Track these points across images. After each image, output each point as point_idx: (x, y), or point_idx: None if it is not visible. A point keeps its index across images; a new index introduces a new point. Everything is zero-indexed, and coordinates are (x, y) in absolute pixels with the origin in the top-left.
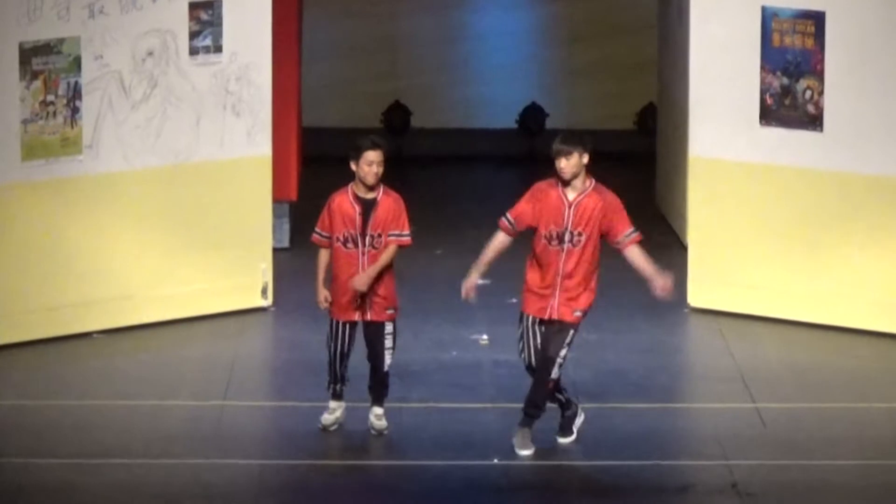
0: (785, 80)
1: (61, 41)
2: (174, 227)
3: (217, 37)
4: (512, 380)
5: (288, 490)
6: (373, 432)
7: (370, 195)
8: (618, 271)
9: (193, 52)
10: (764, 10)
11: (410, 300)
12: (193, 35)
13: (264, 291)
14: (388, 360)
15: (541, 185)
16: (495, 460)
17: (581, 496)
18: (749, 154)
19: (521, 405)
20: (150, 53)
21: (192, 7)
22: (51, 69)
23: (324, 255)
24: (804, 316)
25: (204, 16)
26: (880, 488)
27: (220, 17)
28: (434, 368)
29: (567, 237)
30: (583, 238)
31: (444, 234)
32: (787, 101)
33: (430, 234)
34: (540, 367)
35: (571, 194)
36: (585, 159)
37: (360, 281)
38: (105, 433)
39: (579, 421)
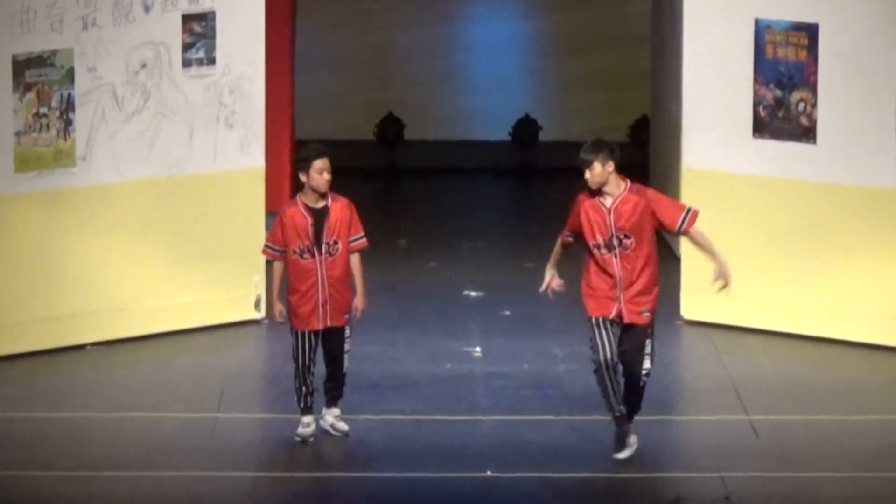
0: (778, 92)
1: (54, 53)
2: (167, 239)
3: (210, 49)
4: (505, 392)
5: (279, 502)
6: (336, 433)
7: (320, 203)
8: None
9: (187, 64)
10: (757, 22)
11: (403, 312)
12: (187, 47)
13: (257, 303)
14: (346, 362)
15: (580, 198)
16: (488, 472)
17: None
18: (742, 166)
19: (514, 417)
20: (144, 65)
21: (186, 19)
22: (44, 81)
23: (277, 269)
24: (797, 328)
25: (197, 28)
26: (874, 500)
27: (213, 30)
28: (427, 381)
29: (615, 243)
30: (632, 240)
31: (437, 246)
32: (780, 113)
33: (423, 246)
34: (628, 382)
35: (608, 200)
36: (610, 167)
37: (362, 301)
38: (98, 445)
39: (633, 439)
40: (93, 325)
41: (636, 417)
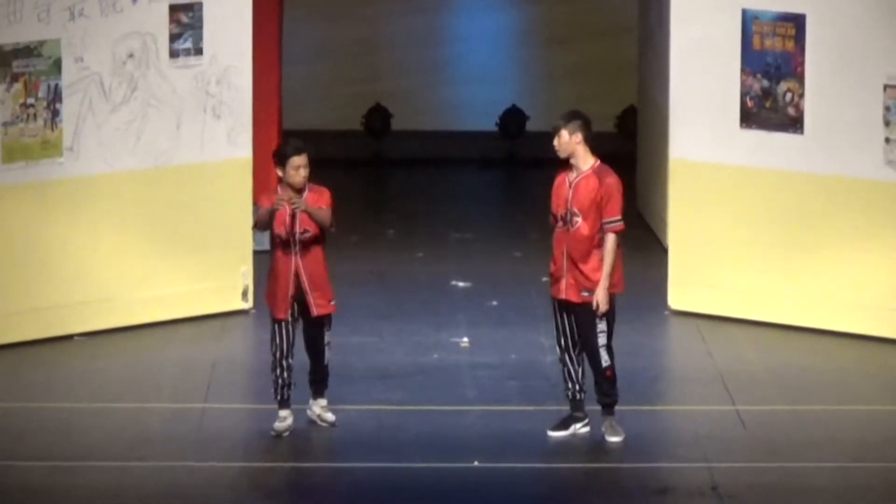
0: (765, 83)
1: (41, 43)
2: (155, 230)
3: (197, 39)
4: (492, 382)
5: (268, 492)
6: (324, 424)
7: (295, 193)
8: None
9: (174, 54)
10: (744, 12)
11: (391, 303)
12: (174, 38)
13: (245, 294)
14: (328, 353)
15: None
16: (475, 463)
17: (561, 499)
18: (729, 156)
19: (501, 407)
20: (131, 56)
21: (173, 10)
22: (31, 72)
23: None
24: (784, 318)
25: (184, 18)
26: (860, 490)
27: (200, 20)
28: (414, 371)
29: (568, 217)
30: (579, 218)
31: (425, 236)
32: (767, 104)
33: (411, 236)
34: (588, 359)
35: (573, 174)
36: (578, 138)
37: (301, 202)
38: (85, 435)
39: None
40: (80, 316)
41: (619, 408)
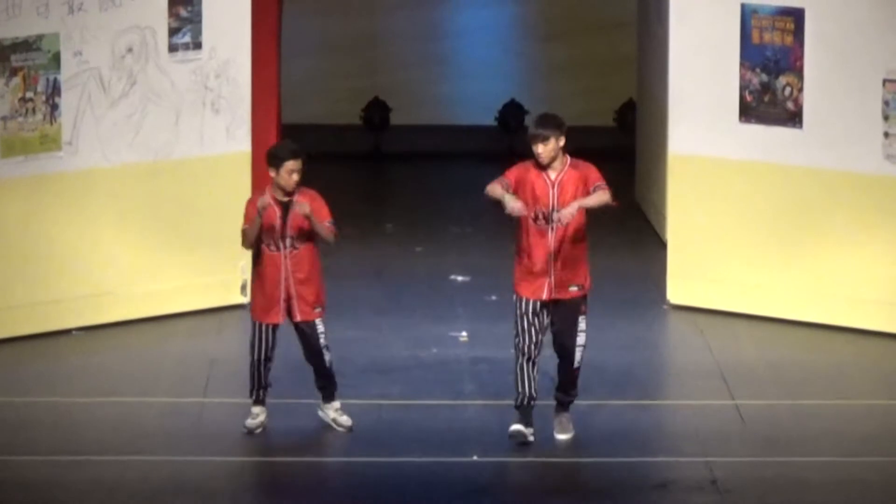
0: (764, 77)
1: (40, 38)
2: (153, 224)
3: (196, 33)
4: (491, 376)
5: (266, 487)
6: (340, 429)
7: (287, 197)
8: (596, 268)
9: (173, 48)
10: (743, 6)
11: (390, 297)
12: (173, 32)
13: (243, 288)
14: (327, 357)
15: (525, 164)
16: (474, 457)
17: (560, 493)
18: (728, 151)
19: (500, 402)
20: (130, 50)
21: (172, 4)
22: (30, 66)
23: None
24: (783, 313)
25: (183, 12)
26: (859, 484)
27: (199, 14)
28: (414, 365)
29: (554, 216)
30: None
31: (424, 231)
32: (766, 98)
33: (410, 231)
34: (562, 358)
35: (553, 174)
36: (562, 142)
37: (304, 208)
38: (84, 430)
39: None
40: (78, 310)
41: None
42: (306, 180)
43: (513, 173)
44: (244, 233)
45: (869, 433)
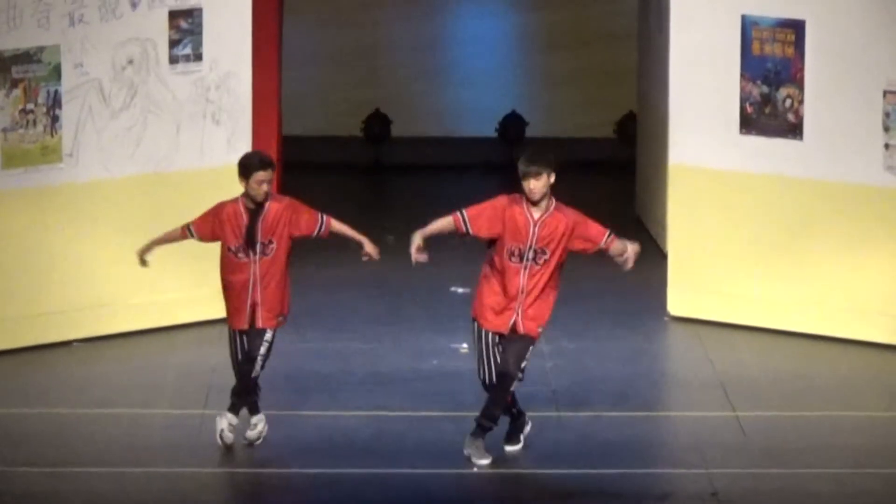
0: (765, 89)
1: (41, 49)
2: (154, 236)
3: (197, 45)
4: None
5: (265, 499)
6: (222, 442)
7: (256, 204)
8: (597, 280)
9: (173, 60)
10: (744, 18)
11: (390, 308)
12: (173, 43)
13: None
14: (258, 368)
15: (503, 200)
16: (475, 469)
17: None
18: (729, 162)
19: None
20: (130, 62)
21: (173, 15)
22: (31, 77)
23: (173, 234)
24: (784, 324)
25: (184, 24)
26: (860, 496)
27: (199, 26)
28: (414, 377)
29: (530, 255)
30: (546, 256)
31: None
32: (767, 110)
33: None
34: (500, 382)
35: (537, 213)
36: (552, 179)
37: (369, 244)
38: (84, 442)
39: (527, 429)
40: (79, 322)
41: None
42: (308, 192)
43: (486, 208)
44: (169, 233)
45: (870, 444)
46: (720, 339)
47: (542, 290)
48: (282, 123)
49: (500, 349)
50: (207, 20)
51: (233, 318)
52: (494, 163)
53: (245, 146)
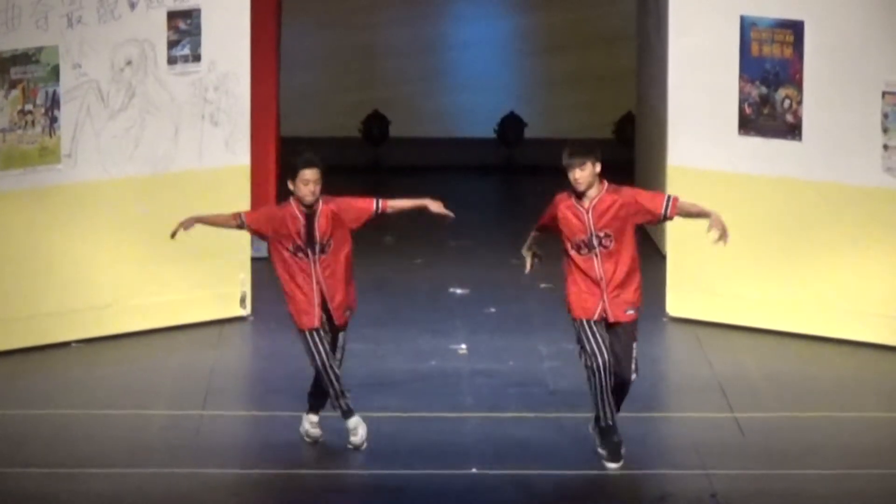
0: (764, 90)
1: (39, 50)
2: (153, 237)
3: (195, 46)
4: (490, 389)
5: (265, 500)
6: (309, 440)
7: (307, 207)
8: None
9: (172, 61)
10: (743, 19)
11: (389, 309)
12: (172, 44)
13: (243, 301)
14: (337, 363)
15: (554, 200)
16: (473, 470)
17: None
18: (728, 163)
19: (499, 414)
20: (129, 63)
21: (171, 16)
22: (29, 78)
23: (220, 218)
24: (782, 325)
25: (182, 25)
26: (859, 497)
27: (198, 27)
28: (413, 378)
29: (594, 242)
30: (612, 239)
31: (423, 243)
32: (765, 111)
33: (409, 243)
34: (621, 389)
35: (587, 201)
36: (598, 168)
37: (435, 203)
38: (83, 442)
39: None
40: (78, 323)
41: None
42: None
43: (546, 217)
44: (216, 216)
45: (869, 446)
46: (719, 340)
47: (626, 273)
48: (280, 124)
49: (607, 342)
50: (206, 21)
51: (301, 319)
52: (493, 164)
53: (243, 147)
